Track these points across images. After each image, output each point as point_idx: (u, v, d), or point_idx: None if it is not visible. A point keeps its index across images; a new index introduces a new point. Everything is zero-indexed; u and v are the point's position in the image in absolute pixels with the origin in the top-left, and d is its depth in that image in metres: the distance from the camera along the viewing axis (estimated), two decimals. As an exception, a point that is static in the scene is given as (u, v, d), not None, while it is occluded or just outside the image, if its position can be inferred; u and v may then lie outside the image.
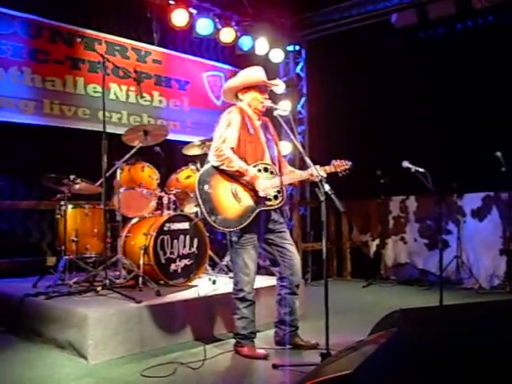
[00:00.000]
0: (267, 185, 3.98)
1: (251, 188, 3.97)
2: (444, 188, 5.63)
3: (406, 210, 7.86)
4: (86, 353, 3.83)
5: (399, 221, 7.94)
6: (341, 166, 4.07)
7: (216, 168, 3.95)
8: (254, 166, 3.99)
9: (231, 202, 3.92)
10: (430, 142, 7.11)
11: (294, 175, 4.18)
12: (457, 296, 6.18)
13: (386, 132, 7.61)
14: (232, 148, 3.95)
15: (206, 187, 3.89)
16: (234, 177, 3.96)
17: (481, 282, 6.87)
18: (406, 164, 5.27)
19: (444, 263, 6.17)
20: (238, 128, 4.00)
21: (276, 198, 4.02)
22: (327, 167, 4.07)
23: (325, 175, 3.96)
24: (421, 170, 5.20)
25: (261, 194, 3.96)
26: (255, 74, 4.19)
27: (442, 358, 1.76)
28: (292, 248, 4.11)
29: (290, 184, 4.34)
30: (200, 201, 3.86)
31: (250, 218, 3.91)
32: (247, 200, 3.95)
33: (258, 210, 3.95)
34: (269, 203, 4.00)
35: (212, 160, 3.96)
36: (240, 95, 4.19)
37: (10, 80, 6.15)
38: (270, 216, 4.06)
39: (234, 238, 3.99)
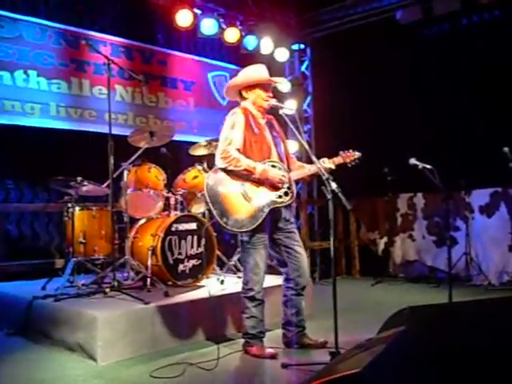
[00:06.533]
0: (279, 172, 3.98)
1: (261, 186, 3.95)
2: (452, 184, 5.60)
3: (414, 207, 7.83)
4: (95, 354, 3.83)
5: (407, 218, 7.91)
6: (349, 156, 4.08)
7: (224, 170, 3.94)
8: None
9: (242, 202, 3.90)
10: (436, 139, 7.08)
11: (302, 170, 4.16)
12: (466, 293, 6.16)
13: (393, 129, 7.56)
14: (238, 149, 3.94)
15: (215, 190, 3.88)
16: (243, 177, 3.94)
17: (490, 278, 6.83)
18: (413, 161, 5.25)
19: (453, 260, 6.14)
20: (243, 129, 3.99)
21: (286, 194, 4.00)
22: (335, 159, 4.09)
23: (333, 167, 4.01)
24: (428, 166, 5.17)
25: (282, 178, 3.95)
26: (258, 71, 4.17)
27: (451, 357, 1.75)
28: (300, 249, 4.09)
29: (300, 180, 4.33)
30: (210, 204, 3.85)
31: (263, 217, 3.88)
32: (258, 199, 3.92)
33: (269, 208, 3.92)
34: (279, 200, 3.97)
35: (219, 163, 3.94)
36: (244, 93, 4.17)
37: (16, 83, 6.18)
38: (281, 214, 4.03)
39: (245, 238, 3.97)
